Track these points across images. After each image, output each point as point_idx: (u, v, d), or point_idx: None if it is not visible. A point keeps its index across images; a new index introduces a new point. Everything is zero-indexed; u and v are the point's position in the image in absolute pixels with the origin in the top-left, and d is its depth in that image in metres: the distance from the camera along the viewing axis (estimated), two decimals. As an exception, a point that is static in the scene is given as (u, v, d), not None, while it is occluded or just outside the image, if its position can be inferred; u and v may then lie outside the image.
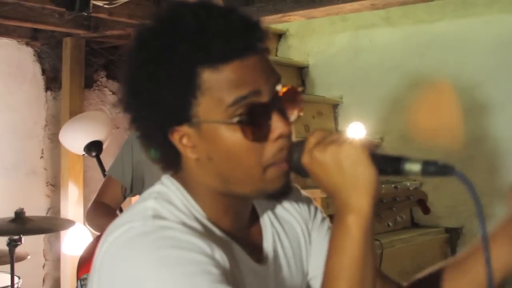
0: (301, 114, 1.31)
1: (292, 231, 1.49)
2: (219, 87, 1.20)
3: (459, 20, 4.66)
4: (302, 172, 1.25)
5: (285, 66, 5.37)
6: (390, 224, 2.81)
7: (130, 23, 4.56)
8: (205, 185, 1.30)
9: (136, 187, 3.12)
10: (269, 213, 1.47)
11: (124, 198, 3.23)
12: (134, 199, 3.42)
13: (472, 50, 4.60)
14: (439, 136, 4.68)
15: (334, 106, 5.26)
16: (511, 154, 4.46)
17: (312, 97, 5.30)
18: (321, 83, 5.28)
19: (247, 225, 1.40)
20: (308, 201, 1.56)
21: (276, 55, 5.59)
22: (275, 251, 1.42)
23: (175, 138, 1.26)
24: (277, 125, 1.23)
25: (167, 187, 1.31)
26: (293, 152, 1.25)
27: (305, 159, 1.21)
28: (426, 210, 3.04)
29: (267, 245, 1.41)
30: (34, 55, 5.41)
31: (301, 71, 5.54)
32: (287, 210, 1.50)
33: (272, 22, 4.06)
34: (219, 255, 1.20)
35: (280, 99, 1.27)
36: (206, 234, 1.24)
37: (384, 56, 5.02)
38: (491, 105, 4.51)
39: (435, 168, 1.17)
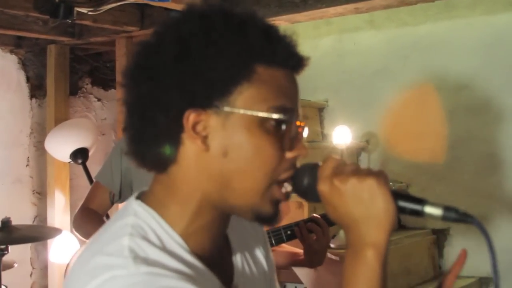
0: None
1: (258, 261, 1.48)
2: (270, 84, 1.19)
3: (443, 22, 4.68)
4: (310, 196, 1.25)
5: (271, 71, 5.36)
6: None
7: (114, 29, 4.56)
8: (195, 189, 1.22)
9: (125, 193, 3.10)
10: (239, 243, 1.44)
11: (112, 204, 3.22)
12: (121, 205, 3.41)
13: (456, 52, 4.62)
14: (424, 138, 4.71)
15: (320, 109, 5.26)
16: (496, 154, 4.48)
17: (297, 101, 5.29)
18: (306, 87, 5.21)
19: (219, 251, 1.34)
20: (263, 237, 1.56)
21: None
22: (244, 276, 1.40)
23: (190, 120, 1.17)
24: (299, 146, 1.24)
25: (140, 219, 1.22)
26: (301, 175, 1.24)
27: (323, 187, 1.20)
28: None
29: (237, 266, 1.39)
30: (18, 63, 5.40)
31: (286, 75, 5.49)
32: (253, 245, 1.49)
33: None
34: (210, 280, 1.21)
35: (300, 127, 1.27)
36: (186, 269, 1.17)
37: (368, 59, 5.04)
38: (476, 106, 4.54)
39: (456, 215, 1.19)
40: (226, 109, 1.17)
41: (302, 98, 1.26)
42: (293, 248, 2.95)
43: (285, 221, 3.80)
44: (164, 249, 1.18)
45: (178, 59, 1.17)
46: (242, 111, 1.17)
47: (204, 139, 1.18)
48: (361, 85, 5.06)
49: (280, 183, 1.23)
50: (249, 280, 1.40)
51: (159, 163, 1.23)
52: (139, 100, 1.21)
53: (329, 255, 3.06)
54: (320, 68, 5.03)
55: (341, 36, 5.20)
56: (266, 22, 1.24)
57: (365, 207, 1.15)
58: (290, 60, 1.23)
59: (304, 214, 3.90)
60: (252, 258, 1.46)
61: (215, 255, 1.30)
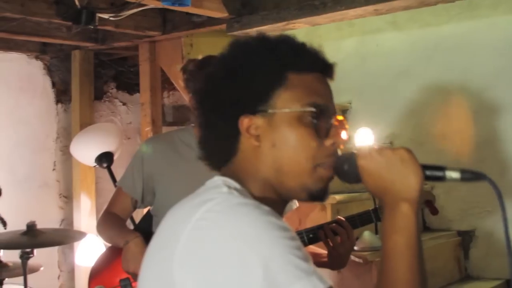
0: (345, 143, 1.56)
1: None
2: (302, 86, 1.47)
3: (465, 22, 4.64)
4: (351, 178, 1.48)
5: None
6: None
7: (136, 34, 4.60)
8: (257, 174, 1.49)
9: (147, 199, 3.10)
10: None
11: (134, 209, 3.23)
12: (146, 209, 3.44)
13: (479, 52, 4.57)
14: (449, 140, 4.68)
15: (343, 111, 5.24)
16: (521, 155, 4.44)
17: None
18: (329, 88, 5.26)
19: None
20: None
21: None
22: None
23: (244, 124, 1.47)
24: (334, 134, 1.50)
25: (230, 183, 1.43)
26: (342, 162, 1.49)
27: (363, 161, 1.45)
28: (434, 211, 3.04)
29: None
30: (44, 69, 5.47)
31: (309, 78, 5.48)
32: None
33: (276, 30, 4.06)
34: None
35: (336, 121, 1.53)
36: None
37: (391, 60, 5.01)
38: (500, 106, 4.49)
39: (471, 175, 1.43)
40: (270, 111, 1.46)
41: None
42: (316, 248, 2.93)
43: (308, 223, 3.81)
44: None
45: (226, 79, 1.49)
46: (282, 110, 1.46)
47: (257, 137, 1.47)
48: (384, 87, 5.03)
49: (325, 167, 1.48)
50: None
51: (223, 161, 1.53)
52: (205, 115, 1.54)
53: (352, 257, 3.05)
54: (343, 70, 4.92)
55: (364, 38, 5.18)
56: (294, 40, 1.52)
57: (399, 172, 1.40)
58: (316, 65, 1.51)
59: (327, 216, 3.90)
60: None
61: None
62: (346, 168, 1.48)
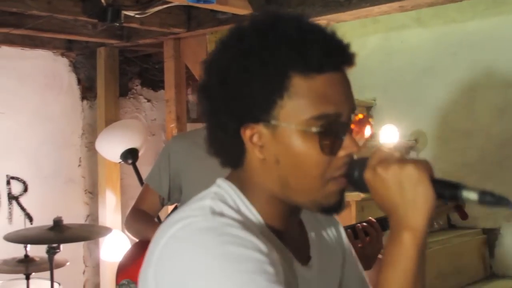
0: (368, 140, 1.39)
1: (330, 247, 1.56)
2: (307, 95, 1.25)
3: (491, 18, 4.61)
4: (361, 187, 1.29)
5: (318, 70, 5.36)
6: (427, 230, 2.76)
7: (161, 31, 4.62)
8: (263, 187, 1.34)
9: (174, 196, 3.11)
10: (312, 224, 1.54)
11: (162, 206, 3.24)
12: (171, 207, 3.45)
13: (505, 48, 4.54)
14: (474, 137, 4.65)
15: (368, 108, 5.24)
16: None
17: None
18: (353, 85, 5.22)
19: (296, 232, 1.45)
20: (337, 222, 1.65)
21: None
22: (319, 259, 1.47)
23: (246, 134, 1.30)
24: (348, 144, 1.29)
25: (223, 189, 1.35)
26: (353, 168, 1.31)
27: (368, 175, 1.25)
28: (464, 216, 2.98)
29: (314, 254, 1.47)
30: (69, 66, 5.51)
31: (333, 74, 5.47)
32: (325, 227, 1.59)
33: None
34: (274, 255, 1.25)
35: (354, 123, 1.33)
36: (261, 234, 1.27)
37: (416, 57, 4.99)
38: (526, 103, 4.47)
39: (492, 199, 1.19)
40: (272, 122, 1.27)
41: None
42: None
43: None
44: (239, 212, 1.31)
45: (220, 85, 1.30)
46: (284, 125, 1.27)
47: (261, 148, 1.30)
48: (409, 83, 5.02)
49: (337, 179, 1.31)
50: (324, 267, 1.48)
51: (229, 164, 1.40)
52: (207, 125, 1.37)
53: (379, 256, 3.03)
54: (367, 67, 5.01)
55: (389, 34, 5.17)
56: (302, 31, 1.28)
57: (405, 193, 1.20)
58: (327, 64, 1.26)
59: (352, 214, 3.89)
60: (325, 241, 1.56)
61: (290, 235, 1.40)
62: (357, 175, 1.31)
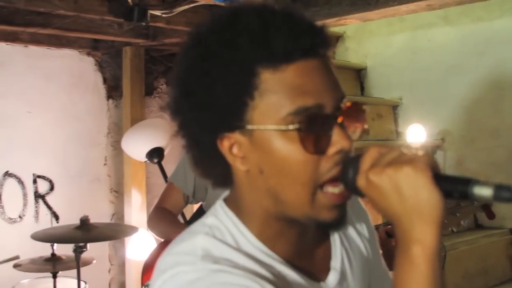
0: (365, 132, 1.21)
1: (358, 250, 1.41)
2: (280, 90, 1.10)
3: (518, 16, 4.58)
4: (358, 191, 1.11)
5: (343, 69, 5.36)
6: (454, 230, 2.72)
7: (187, 30, 4.61)
8: (256, 204, 1.20)
9: (199, 194, 3.11)
10: (341, 233, 1.38)
11: (186, 204, 3.24)
12: (196, 205, 3.45)
13: (532, 47, 4.52)
14: (501, 136, 4.61)
15: (394, 107, 5.22)
16: None
17: (371, 99, 5.27)
18: (380, 84, 5.24)
19: (312, 243, 1.30)
20: (366, 216, 1.48)
21: (334, 58, 5.56)
22: (343, 271, 1.33)
23: (224, 146, 1.15)
24: (338, 139, 1.12)
25: (219, 220, 1.23)
26: (347, 168, 1.13)
27: (361, 182, 1.09)
28: (491, 216, 2.94)
29: (335, 264, 1.33)
30: (95, 65, 5.53)
31: (359, 73, 5.52)
32: (353, 226, 1.43)
33: (327, 25, 4.04)
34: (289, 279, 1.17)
35: (342, 113, 1.15)
36: (260, 269, 1.15)
37: (443, 55, 4.96)
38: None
39: (510, 195, 0.99)
40: (247, 127, 1.13)
41: (375, 96, 1.16)
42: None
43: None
44: (239, 249, 1.18)
45: (185, 96, 1.17)
46: (260, 127, 1.12)
47: (243, 159, 1.16)
48: (436, 82, 4.99)
49: (329, 185, 1.14)
50: (348, 276, 1.34)
51: (222, 184, 1.26)
52: (184, 122, 1.21)
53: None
54: (393, 66, 4.99)
55: (415, 33, 5.14)
56: (263, 20, 1.12)
57: (406, 200, 1.03)
58: (296, 51, 1.10)
59: (373, 212, 3.87)
60: (353, 242, 1.40)
61: (302, 254, 1.26)
62: (351, 177, 1.12)
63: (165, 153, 4.99)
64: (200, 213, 3.20)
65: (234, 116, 1.12)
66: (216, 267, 1.11)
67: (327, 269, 1.31)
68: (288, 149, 1.11)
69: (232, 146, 1.16)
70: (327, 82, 1.13)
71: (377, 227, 2.82)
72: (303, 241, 1.27)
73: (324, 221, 1.16)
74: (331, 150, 1.12)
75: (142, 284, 3.25)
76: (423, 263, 1.03)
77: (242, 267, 1.13)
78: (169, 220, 3.14)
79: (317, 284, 1.27)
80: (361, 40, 5.37)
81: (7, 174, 4.96)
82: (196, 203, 3.24)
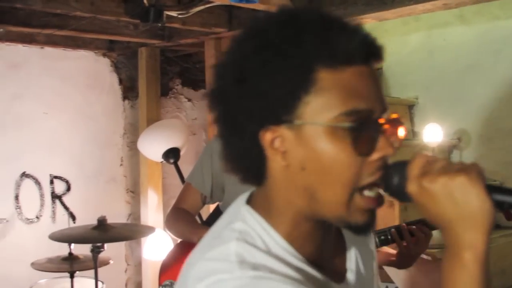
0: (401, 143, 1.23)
1: (367, 255, 1.46)
2: (335, 90, 1.12)
3: (536, 15, 4.55)
4: (400, 196, 1.16)
5: (359, 68, 5.33)
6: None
7: (203, 31, 4.63)
8: (289, 202, 1.21)
9: (216, 194, 3.11)
10: (351, 235, 1.41)
11: (203, 205, 3.25)
12: (213, 206, 3.46)
13: (550, 46, 4.49)
14: (519, 135, 4.59)
15: (410, 107, 5.19)
16: None
17: (387, 99, 5.17)
18: (395, 84, 5.23)
19: (331, 245, 1.33)
20: (371, 239, 1.54)
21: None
22: (357, 273, 1.38)
23: (266, 139, 1.16)
24: (383, 145, 1.16)
25: (247, 224, 1.23)
26: (391, 174, 1.17)
27: (412, 188, 1.13)
28: (509, 217, 2.92)
29: (351, 265, 1.37)
30: (111, 66, 5.55)
31: (375, 73, 5.46)
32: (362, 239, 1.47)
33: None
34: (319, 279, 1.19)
35: (388, 123, 1.20)
36: (293, 272, 1.17)
37: (459, 55, 4.94)
38: None
39: None
40: (296, 122, 1.14)
41: (391, 95, 1.20)
42: (388, 248, 2.91)
43: (377, 222, 3.78)
44: (270, 253, 1.18)
45: (237, 83, 1.17)
46: (310, 123, 1.13)
47: (284, 154, 1.17)
48: (452, 82, 4.96)
49: (367, 189, 1.17)
50: (361, 277, 1.39)
51: (253, 179, 1.25)
52: (218, 124, 1.23)
53: (421, 254, 3.01)
54: (409, 65, 4.97)
55: (431, 32, 5.12)
56: (326, 21, 1.16)
57: (459, 207, 1.08)
58: (356, 55, 1.14)
59: (395, 214, 3.86)
60: (363, 256, 1.44)
61: (324, 255, 1.29)
62: (395, 183, 1.16)
63: (181, 153, 5.00)
64: (217, 213, 3.21)
65: (285, 109, 1.14)
66: (255, 274, 1.12)
67: (344, 270, 1.35)
68: (335, 148, 1.13)
69: (274, 139, 1.16)
70: (377, 91, 1.18)
71: (396, 227, 2.81)
72: (325, 242, 1.29)
73: (355, 223, 1.19)
74: (375, 155, 1.16)
75: (160, 284, 3.26)
76: (474, 267, 1.09)
77: (278, 272, 1.14)
78: (187, 220, 3.14)
79: (339, 286, 1.29)
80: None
81: (24, 175, 4.99)
82: (213, 203, 3.24)
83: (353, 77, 1.14)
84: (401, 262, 2.81)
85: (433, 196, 1.10)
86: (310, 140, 1.14)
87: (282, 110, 1.14)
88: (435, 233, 3.71)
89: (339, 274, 1.33)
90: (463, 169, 1.09)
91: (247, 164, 1.23)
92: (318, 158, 1.14)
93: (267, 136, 1.16)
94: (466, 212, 1.08)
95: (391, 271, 3.31)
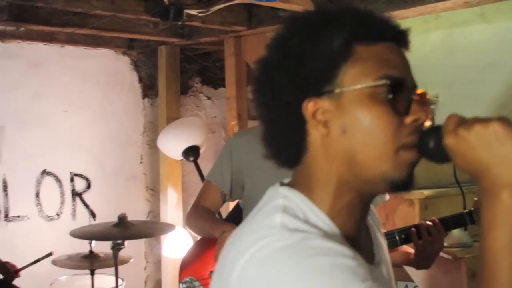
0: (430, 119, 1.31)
1: (383, 243, 1.52)
2: (371, 59, 1.25)
3: (558, 13, 4.52)
4: (437, 156, 1.26)
5: (379, 67, 5.32)
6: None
7: (222, 29, 4.64)
8: (328, 175, 1.28)
9: (236, 192, 3.12)
10: (370, 221, 1.49)
11: (223, 202, 3.25)
12: (233, 203, 3.47)
13: None
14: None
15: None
16: None
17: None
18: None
19: (364, 229, 1.41)
20: (380, 225, 1.60)
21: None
22: (382, 256, 1.45)
23: (309, 110, 1.26)
24: (416, 109, 1.25)
25: (291, 201, 1.28)
26: (427, 137, 1.26)
27: (450, 140, 1.20)
28: None
29: (377, 249, 1.44)
30: (131, 64, 5.58)
31: (395, 71, 5.42)
32: (376, 225, 1.54)
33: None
34: (359, 258, 1.21)
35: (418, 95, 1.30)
36: (338, 246, 1.20)
37: (480, 53, 4.90)
38: None
39: None
40: (337, 90, 1.24)
41: None
42: (407, 247, 2.91)
43: (395, 218, 3.77)
44: (313, 226, 1.24)
45: (282, 60, 1.29)
46: (350, 88, 1.23)
47: (325, 123, 1.25)
48: (473, 80, 4.93)
49: (407, 148, 1.25)
50: (386, 263, 1.46)
51: (293, 156, 1.33)
52: (265, 106, 1.34)
53: (441, 253, 3.00)
54: (430, 63, 4.94)
55: (451, 30, 5.09)
56: (357, 8, 1.30)
57: (494, 150, 1.15)
58: (387, 33, 1.28)
59: (415, 212, 3.86)
60: (382, 243, 1.50)
61: (358, 234, 1.35)
62: (432, 145, 1.25)
63: (201, 151, 5.02)
64: (237, 211, 3.21)
65: (326, 78, 1.25)
66: (302, 235, 1.18)
67: (372, 254, 1.42)
68: (374, 108, 1.23)
69: (316, 111, 1.26)
70: (407, 68, 1.30)
71: (415, 225, 2.81)
72: (363, 222, 1.38)
73: (400, 178, 1.26)
74: (410, 118, 1.25)
75: (180, 281, 3.27)
76: None
77: (325, 236, 1.21)
78: (207, 217, 3.14)
79: (372, 266, 1.36)
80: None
81: (44, 172, 5.03)
82: (233, 200, 3.25)
83: (386, 50, 1.27)
84: (418, 262, 2.80)
85: (469, 142, 1.17)
86: (350, 105, 1.24)
87: (324, 80, 1.25)
88: (455, 232, 3.71)
89: (369, 256, 1.39)
90: (495, 118, 1.17)
91: (288, 139, 1.32)
92: (358, 120, 1.23)
93: (309, 108, 1.25)
94: (501, 154, 1.15)
95: (411, 270, 3.31)
